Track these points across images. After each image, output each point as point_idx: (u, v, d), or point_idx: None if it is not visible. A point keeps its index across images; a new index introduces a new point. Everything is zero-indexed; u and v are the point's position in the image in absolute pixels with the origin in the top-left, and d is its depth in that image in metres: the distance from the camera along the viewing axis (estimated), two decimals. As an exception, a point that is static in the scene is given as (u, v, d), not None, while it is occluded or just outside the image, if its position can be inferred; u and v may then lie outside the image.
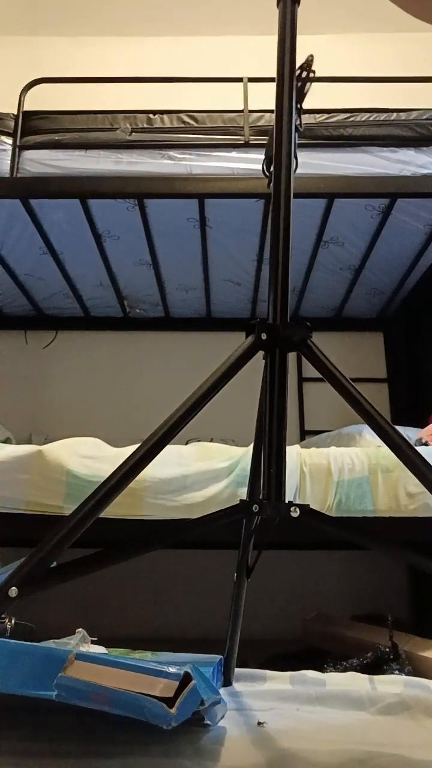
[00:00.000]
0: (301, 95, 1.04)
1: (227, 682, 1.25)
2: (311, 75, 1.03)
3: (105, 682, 0.83)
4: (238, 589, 1.19)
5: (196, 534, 0.97)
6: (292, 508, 0.89)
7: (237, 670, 1.27)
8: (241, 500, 0.97)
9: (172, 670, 0.86)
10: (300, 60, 1.04)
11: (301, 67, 1.03)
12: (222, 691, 1.18)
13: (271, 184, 1.01)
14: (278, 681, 1.29)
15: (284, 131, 1.01)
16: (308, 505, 0.92)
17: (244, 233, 2.56)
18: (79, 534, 0.84)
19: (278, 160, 1.00)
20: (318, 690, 1.23)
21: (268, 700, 1.17)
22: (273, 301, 0.99)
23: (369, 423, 0.92)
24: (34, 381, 3.29)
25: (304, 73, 1.03)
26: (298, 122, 1.03)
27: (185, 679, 0.85)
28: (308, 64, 1.03)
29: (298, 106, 1.03)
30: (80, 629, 1.33)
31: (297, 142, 1.05)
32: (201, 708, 0.90)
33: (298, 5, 1.05)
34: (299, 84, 1.02)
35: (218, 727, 1.00)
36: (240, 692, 1.21)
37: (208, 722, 0.98)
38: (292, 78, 1.01)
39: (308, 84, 1.03)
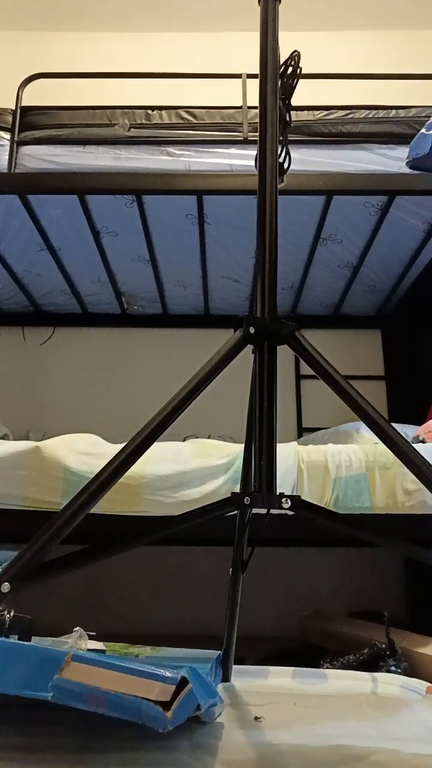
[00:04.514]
0: (290, 90, 1.04)
1: (225, 678, 1.25)
2: (298, 71, 1.03)
3: (101, 684, 0.83)
4: (234, 584, 1.19)
5: (189, 528, 0.96)
6: (283, 500, 0.90)
7: (235, 666, 1.28)
8: (233, 492, 0.97)
9: (168, 674, 0.85)
10: (285, 56, 1.05)
11: (286, 63, 1.04)
12: (220, 686, 1.18)
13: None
14: (278, 676, 1.30)
15: (269, 127, 1.01)
16: (299, 496, 0.92)
17: (243, 230, 2.55)
18: (71, 529, 0.84)
19: (263, 155, 1.00)
20: (315, 686, 1.24)
21: (266, 695, 1.18)
22: (261, 295, 1.00)
23: (360, 416, 0.92)
24: (32, 377, 3.29)
25: (290, 69, 1.03)
26: (287, 117, 1.03)
27: (182, 683, 0.85)
28: (292, 59, 1.03)
29: (287, 100, 1.03)
30: (77, 628, 1.33)
31: (289, 138, 1.05)
32: (198, 713, 0.89)
33: (279, 3, 1.06)
34: (290, 81, 1.03)
35: (215, 722, 1.01)
36: (238, 687, 1.22)
37: (206, 720, 0.98)
38: (275, 76, 1.02)
39: (296, 79, 1.03)
